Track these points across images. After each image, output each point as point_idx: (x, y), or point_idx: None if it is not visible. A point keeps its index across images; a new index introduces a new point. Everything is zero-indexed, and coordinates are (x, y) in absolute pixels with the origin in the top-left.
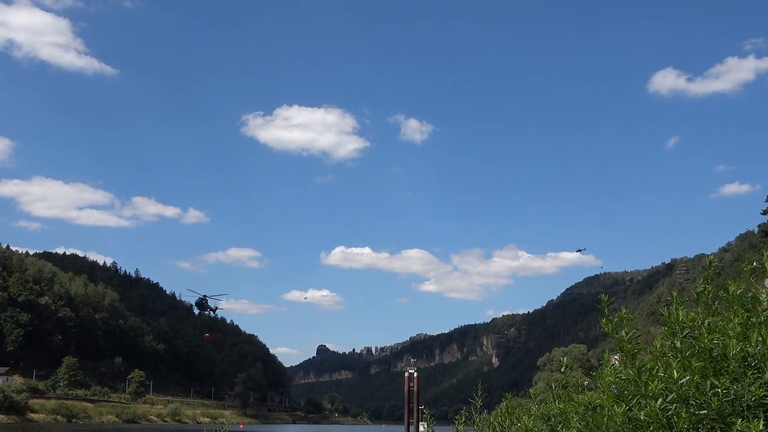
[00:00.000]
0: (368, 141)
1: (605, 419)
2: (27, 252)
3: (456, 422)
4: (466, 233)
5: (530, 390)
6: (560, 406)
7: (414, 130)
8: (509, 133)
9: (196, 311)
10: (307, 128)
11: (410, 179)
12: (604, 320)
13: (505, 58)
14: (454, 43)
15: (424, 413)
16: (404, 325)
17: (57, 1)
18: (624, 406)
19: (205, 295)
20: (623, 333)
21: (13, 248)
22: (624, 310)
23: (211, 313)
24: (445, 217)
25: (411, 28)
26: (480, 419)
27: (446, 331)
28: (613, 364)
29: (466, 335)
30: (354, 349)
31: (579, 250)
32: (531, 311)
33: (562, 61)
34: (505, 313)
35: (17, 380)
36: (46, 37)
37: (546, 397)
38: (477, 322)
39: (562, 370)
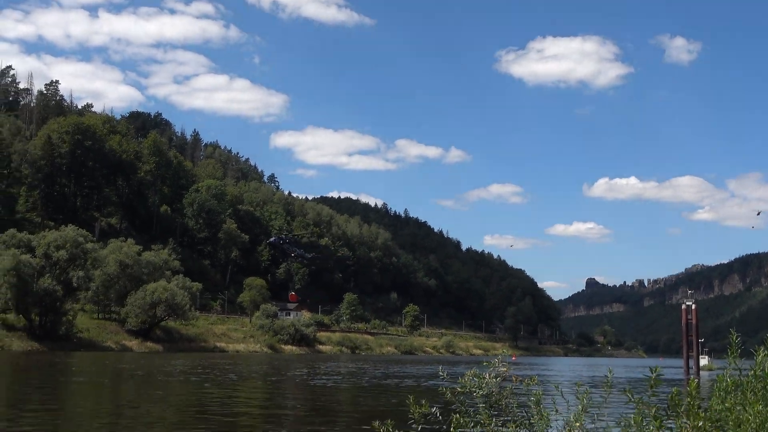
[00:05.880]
0: (630, 66)
1: None
2: (306, 198)
3: (758, 352)
4: (742, 156)
5: None
6: None
7: (680, 49)
8: None
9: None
10: (563, 59)
11: (678, 103)
12: None
13: None
14: None
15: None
16: (677, 257)
17: None
18: None
19: (282, 237)
20: None
21: (294, 194)
22: None
23: (297, 256)
24: (718, 141)
25: None
26: None
27: (725, 261)
28: None
29: (748, 265)
30: (625, 282)
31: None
32: None
33: None
34: None
35: (305, 315)
36: None
37: None
38: (760, 251)
39: None
